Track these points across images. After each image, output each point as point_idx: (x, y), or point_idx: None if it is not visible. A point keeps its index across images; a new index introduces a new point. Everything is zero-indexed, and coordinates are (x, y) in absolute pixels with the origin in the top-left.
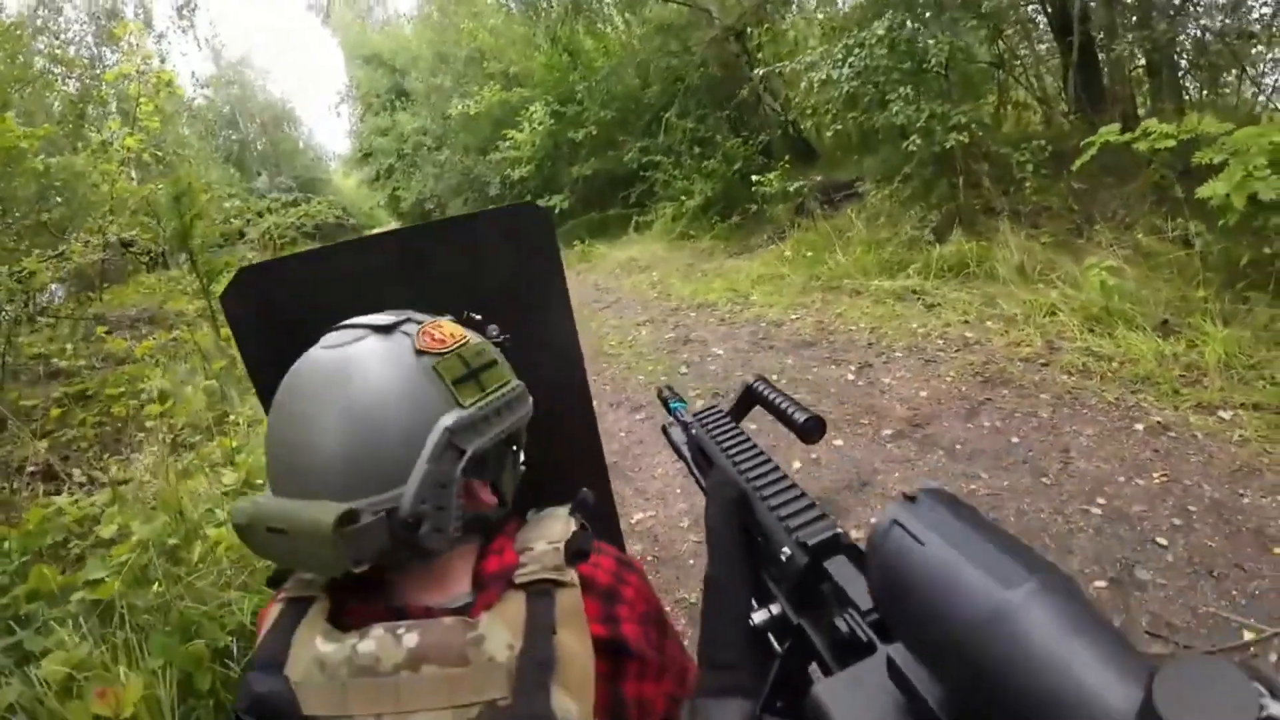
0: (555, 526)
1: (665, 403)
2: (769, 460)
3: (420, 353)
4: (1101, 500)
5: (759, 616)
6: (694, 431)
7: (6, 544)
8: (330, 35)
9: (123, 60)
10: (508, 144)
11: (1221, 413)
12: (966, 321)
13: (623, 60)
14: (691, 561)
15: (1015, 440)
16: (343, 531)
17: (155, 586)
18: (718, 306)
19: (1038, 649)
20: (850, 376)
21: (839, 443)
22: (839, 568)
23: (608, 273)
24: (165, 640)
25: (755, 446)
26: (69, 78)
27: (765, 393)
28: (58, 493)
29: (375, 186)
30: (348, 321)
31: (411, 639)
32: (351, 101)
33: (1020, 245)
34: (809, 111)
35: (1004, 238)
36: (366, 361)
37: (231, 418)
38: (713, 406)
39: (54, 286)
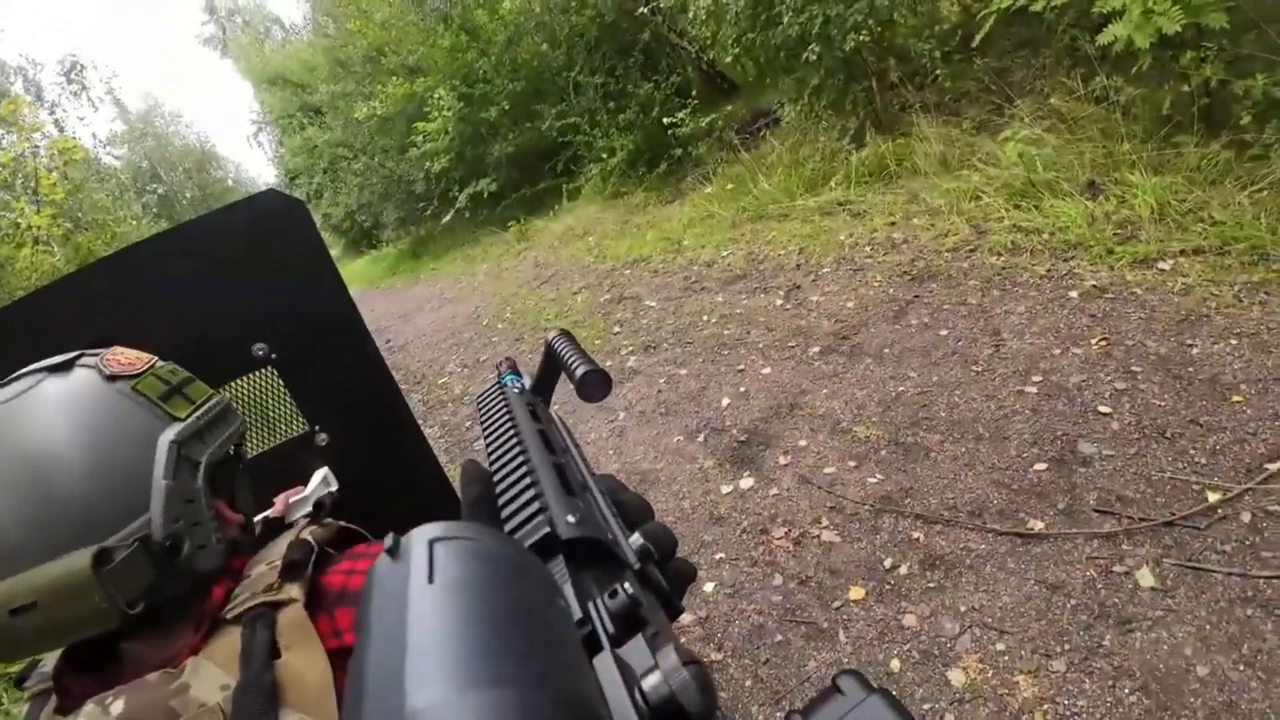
0: (280, 544)
1: (500, 378)
2: (515, 441)
3: (112, 378)
4: (1037, 378)
5: None
6: (478, 411)
7: None
8: (232, 66)
9: (19, 140)
10: (422, 137)
11: (1160, 264)
12: (893, 223)
13: (520, 25)
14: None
15: (944, 333)
16: (103, 573)
17: None
18: (651, 259)
19: None
20: (779, 302)
21: (766, 370)
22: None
23: (546, 247)
24: None
25: (511, 424)
26: None
27: (558, 350)
28: None
29: (313, 208)
30: (16, 374)
31: (118, 706)
32: (267, 128)
33: (940, 135)
34: (710, 42)
35: (922, 131)
36: (56, 400)
37: None
38: (498, 381)
39: None
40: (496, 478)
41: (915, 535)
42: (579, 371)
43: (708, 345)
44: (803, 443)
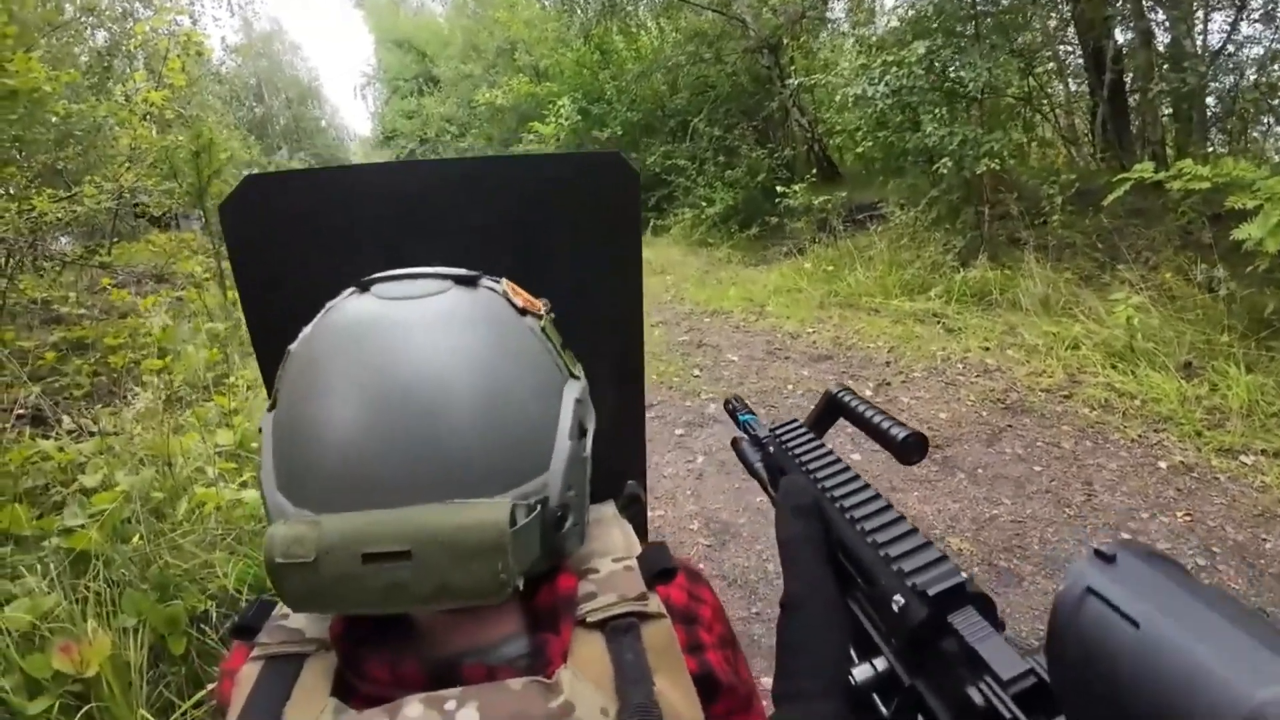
0: (612, 535)
1: (733, 414)
2: (867, 486)
3: (523, 311)
4: (1126, 535)
5: (860, 672)
6: (771, 449)
7: None
8: (361, 18)
9: (154, 15)
10: (532, 136)
11: (1244, 457)
12: (987, 348)
13: (653, 64)
14: (702, 565)
15: (1038, 469)
16: (514, 534)
17: (135, 540)
18: (733, 314)
19: None
20: (867, 392)
21: (855, 456)
22: (967, 622)
23: None
24: (140, 598)
25: (848, 468)
26: (99, 28)
27: (851, 403)
28: (46, 438)
29: None
30: (403, 271)
31: (470, 715)
32: (377, 85)
33: (1044, 277)
34: (837, 130)
35: (1028, 268)
36: (471, 317)
37: (231, 380)
38: (792, 421)
39: (64, 239)
40: (862, 514)
41: None
42: (899, 435)
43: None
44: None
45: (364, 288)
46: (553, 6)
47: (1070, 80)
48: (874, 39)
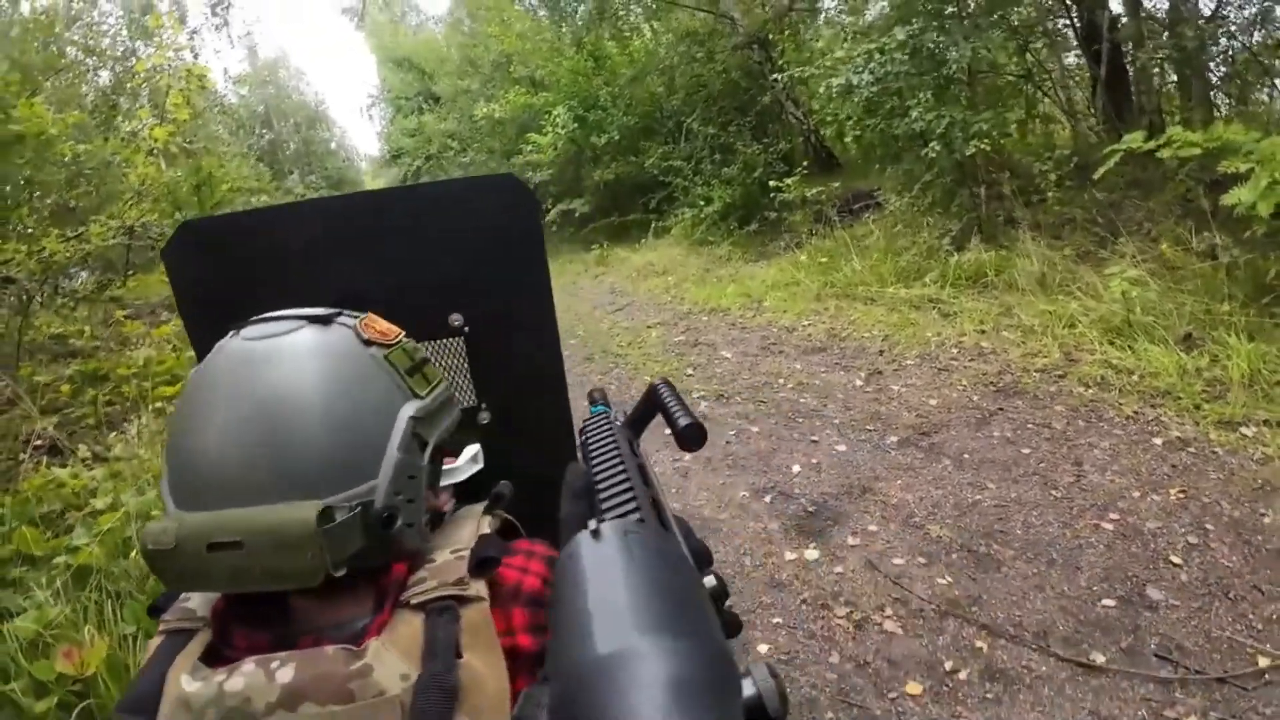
0: (464, 530)
1: (592, 403)
2: (620, 466)
3: (368, 342)
4: (1114, 515)
5: None
6: (582, 439)
7: (1, 510)
8: (363, 39)
9: (155, 53)
10: (530, 147)
11: (1244, 429)
12: (983, 331)
13: (646, 67)
14: None
15: (1026, 451)
16: (325, 530)
17: (133, 555)
18: (730, 311)
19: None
20: (859, 382)
21: (841, 448)
22: None
23: (625, 276)
24: (139, 607)
25: (616, 455)
26: (101, 69)
27: (662, 396)
28: (63, 466)
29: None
30: (272, 314)
31: (286, 673)
32: (382, 104)
33: (1041, 256)
34: (829, 119)
35: (1025, 248)
36: (315, 350)
37: None
38: (603, 413)
39: (83, 273)
40: (604, 497)
41: (979, 644)
42: (681, 422)
43: (782, 409)
44: (873, 528)
45: (238, 330)
46: (545, 17)
47: (1072, 54)
48: (858, 27)
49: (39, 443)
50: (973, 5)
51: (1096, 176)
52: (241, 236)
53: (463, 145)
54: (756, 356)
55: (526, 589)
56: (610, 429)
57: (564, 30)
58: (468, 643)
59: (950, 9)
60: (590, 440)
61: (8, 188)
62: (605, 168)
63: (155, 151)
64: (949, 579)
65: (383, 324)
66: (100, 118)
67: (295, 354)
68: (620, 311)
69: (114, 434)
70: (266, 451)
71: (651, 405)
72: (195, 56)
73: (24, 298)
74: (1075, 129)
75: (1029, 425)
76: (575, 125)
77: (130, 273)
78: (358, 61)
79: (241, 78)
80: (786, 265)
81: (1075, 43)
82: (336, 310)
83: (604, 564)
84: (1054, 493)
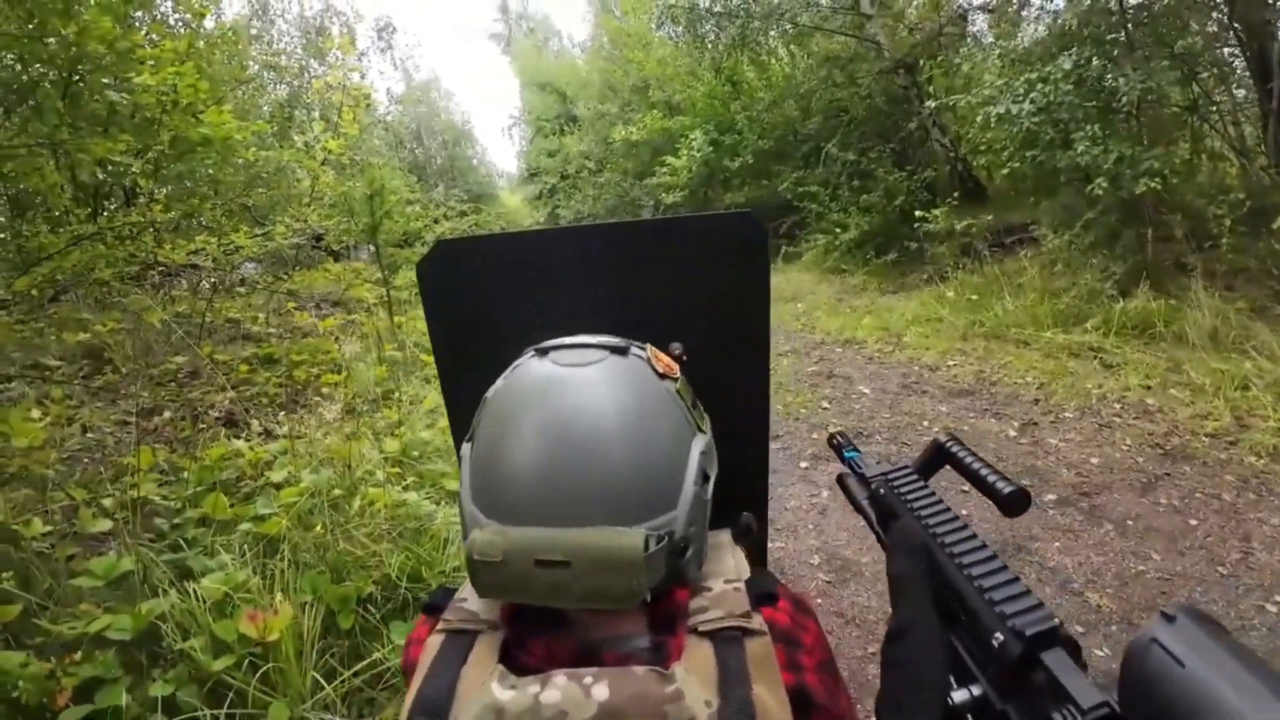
0: (725, 560)
1: (838, 450)
2: (973, 534)
3: (662, 376)
4: (1279, 598)
5: (958, 695)
6: (880, 490)
7: (186, 474)
8: (508, 63)
9: (329, 71)
10: (664, 170)
11: None
12: (1148, 387)
13: (785, 92)
14: (820, 600)
15: (1194, 522)
16: (647, 556)
17: (317, 528)
18: (866, 344)
19: None
20: (1012, 433)
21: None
22: (1056, 660)
23: None
24: (317, 578)
25: (955, 516)
26: (280, 83)
27: (958, 453)
28: (238, 438)
29: (537, 204)
30: (573, 340)
31: (601, 691)
32: (522, 125)
33: (1213, 308)
34: (982, 149)
35: (1196, 298)
36: (623, 382)
37: (396, 395)
38: (901, 465)
39: (249, 265)
40: (969, 559)
41: None
42: (1001, 488)
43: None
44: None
45: (543, 353)
46: (684, 42)
47: (1237, 88)
48: (1016, 52)
49: (218, 415)
50: (1138, 31)
51: (1277, 225)
52: (490, 257)
53: (599, 166)
54: (897, 395)
55: (780, 625)
56: (925, 484)
57: (704, 56)
58: (754, 674)
59: (1115, 35)
60: (913, 498)
61: (194, 185)
62: (737, 190)
63: (327, 161)
64: (1108, 650)
65: (665, 357)
66: (276, 126)
67: (605, 384)
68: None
69: (285, 414)
70: (586, 477)
71: (939, 461)
72: (362, 76)
73: (208, 283)
74: (1246, 169)
75: (1197, 494)
76: (710, 148)
77: (297, 268)
78: (503, 84)
79: (400, 97)
80: (929, 299)
81: (1245, 74)
82: (628, 341)
83: (1210, 645)
84: (1220, 569)
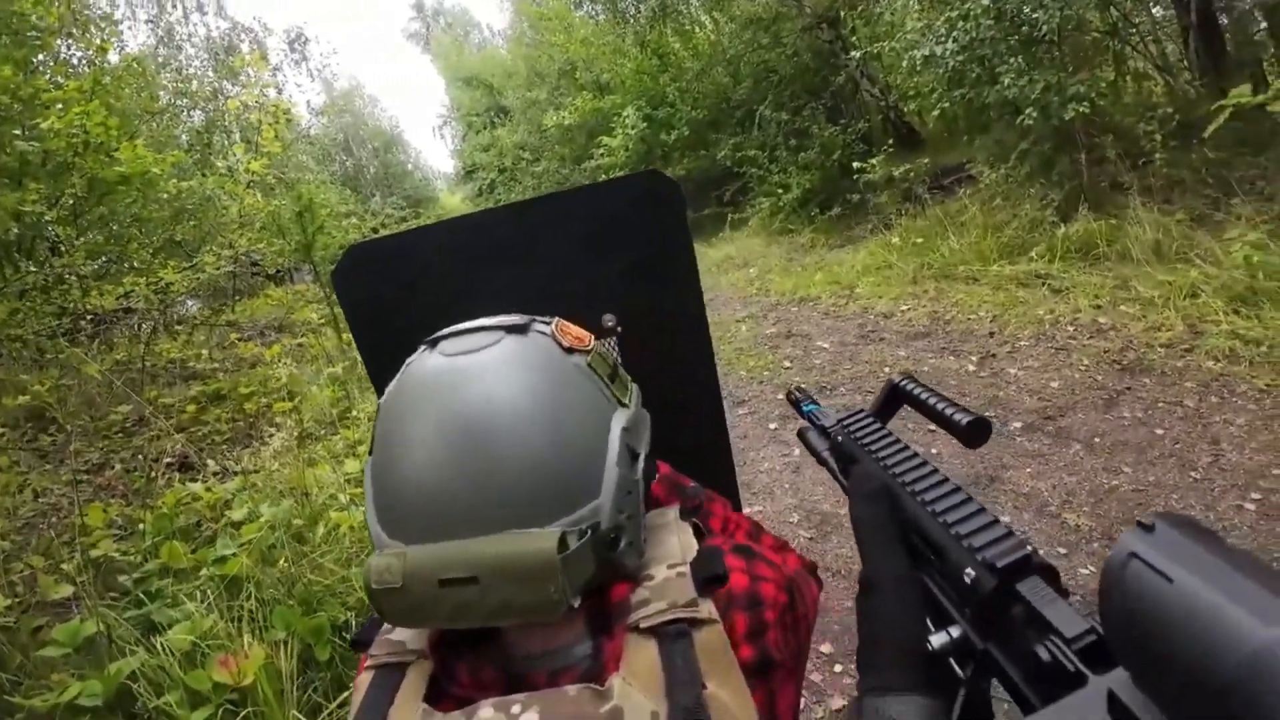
0: (669, 542)
1: (797, 404)
2: (934, 469)
3: (569, 350)
4: (1256, 495)
5: (937, 640)
6: (839, 439)
7: (142, 526)
8: (430, 61)
9: (244, 91)
10: (601, 151)
11: None
12: (1099, 306)
13: (712, 59)
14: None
15: (1159, 431)
16: (564, 558)
17: (281, 563)
18: (820, 300)
19: None
20: (971, 368)
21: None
22: (1033, 590)
23: (705, 271)
24: (288, 612)
25: (915, 454)
26: (193, 110)
27: (914, 391)
28: (194, 481)
29: (478, 201)
30: (465, 325)
31: (530, 718)
32: (453, 123)
33: (1154, 222)
34: (911, 94)
35: (1135, 215)
36: (521, 363)
37: (353, 413)
38: (857, 410)
39: (190, 301)
40: (932, 496)
41: None
42: (959, 419)
43: None
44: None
45: (433, 344)
46: (606, 20)
47: (1155, 6)
48: None
49: (170, 460)
50: None
51: (1206, 134)
52: (404, 254)
53: (535, 155)
54: (855, 345)
55: (739, 590)
56: (886, 429)
57: (627, 31)
58: (706, 669)
59: None
60: (871, 442)
61: (117, 226)
62: (676, 164)
63: (252, 184)
64: (1091, 569)
65: (575, 328)
66: (196, 155)
67: (502, 369)
68: (706, 307)
69: (240, 448)
70: (489, 478)
71: (896, 402)
72: (279, 92)
73: (144, 326)
74: (1171, 85)
75: (1159, 404)
76: (644, 124)
77: (237, 298)
78: (427, 84)
79: (322, 109)
80: (876, 248)
81: None
82: (529, 318)
83: (1197, 553)
84: (1193, 474)
